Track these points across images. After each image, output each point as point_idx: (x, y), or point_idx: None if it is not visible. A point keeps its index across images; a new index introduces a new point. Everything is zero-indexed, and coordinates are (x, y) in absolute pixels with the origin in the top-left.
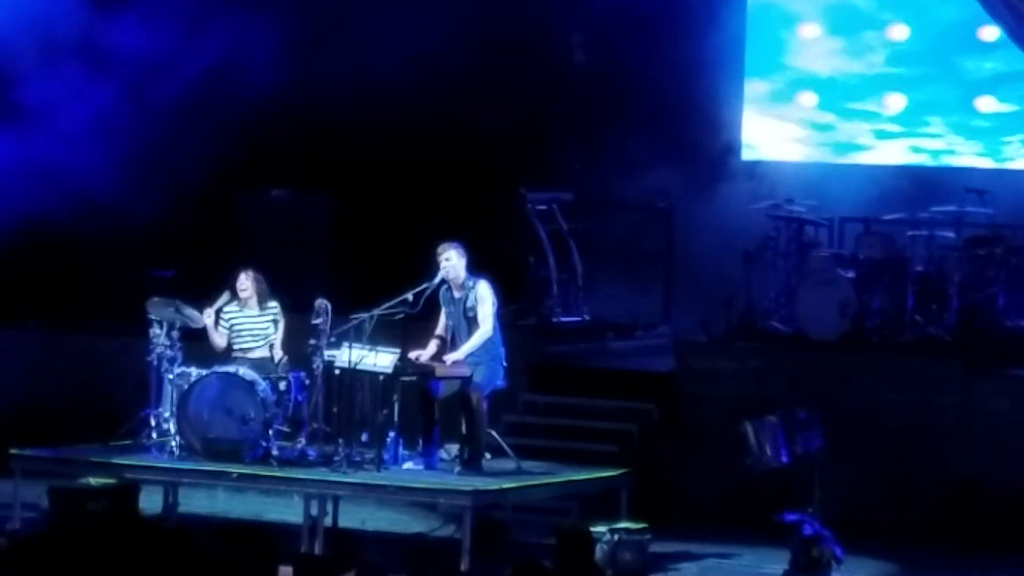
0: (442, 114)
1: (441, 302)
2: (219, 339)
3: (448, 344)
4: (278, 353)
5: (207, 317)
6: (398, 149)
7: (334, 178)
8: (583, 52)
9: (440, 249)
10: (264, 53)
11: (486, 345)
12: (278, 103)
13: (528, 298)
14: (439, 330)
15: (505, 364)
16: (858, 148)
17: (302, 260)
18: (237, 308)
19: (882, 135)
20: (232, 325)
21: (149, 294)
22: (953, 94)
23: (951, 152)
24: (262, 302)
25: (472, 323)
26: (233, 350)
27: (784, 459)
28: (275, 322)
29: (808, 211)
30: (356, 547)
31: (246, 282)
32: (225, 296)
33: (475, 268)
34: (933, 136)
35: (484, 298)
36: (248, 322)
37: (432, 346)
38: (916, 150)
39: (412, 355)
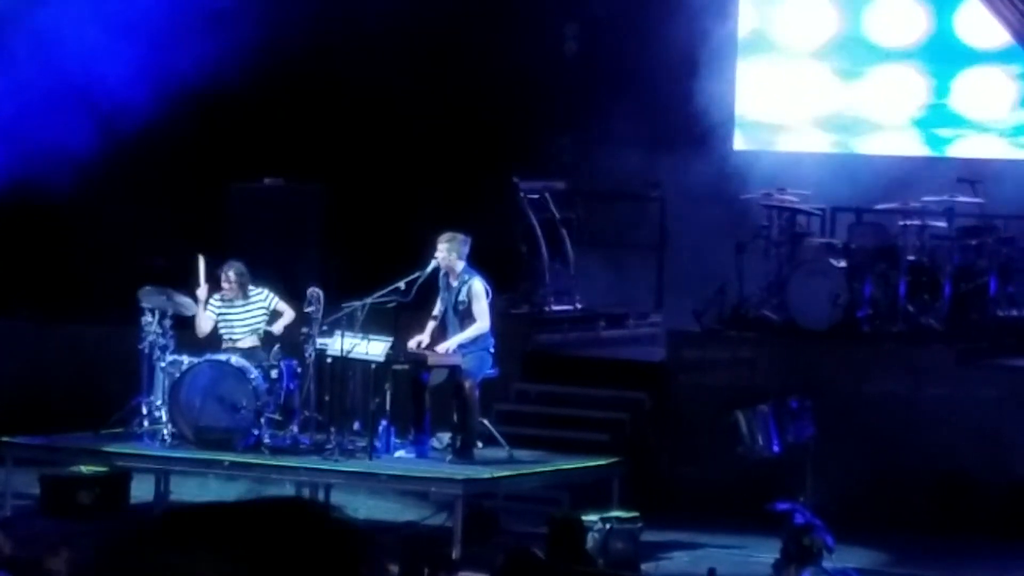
0: (435, 103)
1: (439, 285)
2: (205, 324)
3: (438, 326)
4: (280, 327)
5: (200, 299)
6: (391, 137)
7: (327, 166)
8: (575, 41)
9: (441, 238)
10: (255, 41)
11: (475, 336)
12: (271, 91)
13: (520, 287)
14: (435, 311)
15: (493, 351)
16: (852, 136)
17: (295, 249)
18: (221, 303)
19: (877, 123)
20: (219, 317)
21: (141, 282)
22: (945, 78)
23: (945, 140)
24: (245, 293)
25: (462, 316)
26: (223, 341)
27: (776, 448)
28: (264, 309)
29: (800, 200)
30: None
31: (225, 283)
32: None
33: (470, 257)
34: (927, 124)
35: (478, 295)
36: (235, 314)
37: (428, 329)
38: (910, 136)
39: (413, 342)
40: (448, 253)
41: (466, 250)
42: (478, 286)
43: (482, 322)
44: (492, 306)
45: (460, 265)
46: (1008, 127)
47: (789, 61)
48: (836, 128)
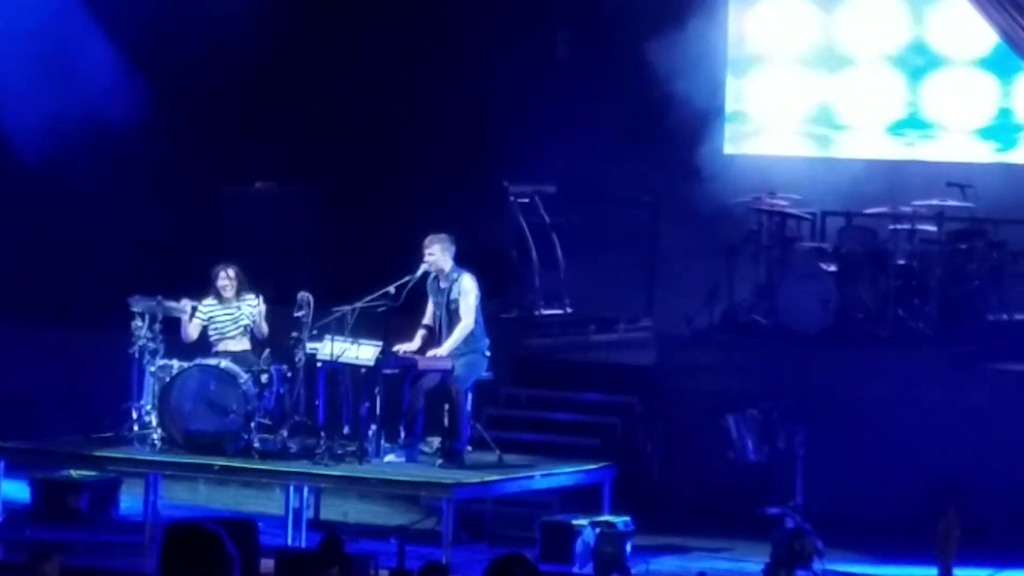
0: (426, 107)
1: (429, 291)
2: (192, 331)
3: (435, 332)
4: (263, 329)
5: (186, 310)
6: (383, 142)
7: (319, 171)
8: (566, 45)
9: (426, 241)
10: (249, 44)
11: (467, 338)
12: (263, 95)
13: (510, 291)
14: (426, 319)
15: (488, 354)
16: (842, 140)
17: (287, 253)
18: (215, 303)
19: (866, 127)
20: (211, 318)
21: (131, 287)
22: (933, 82)
23: (934, 144)
24: (240, 295)
25: (454, 315)
26: (213, 343)
27: (766, 453)
28: (252, 312)
29: (790, 204)
30: (339, 542)
31: (226, 280)
32: (210, 298)
33: (458, 261)
34: (916, 128)
35: (467, 291)
36: (227, 315)
37: (418, 337)
38: (898, 141)
39: (396, 348)
40: (439, 255)
41: (453, 249)
42: (467, 282)
43: (466, 320)
44: (482, 304)
45: (449, 265)
46: (996, 131)
47: (778, 65)
48: (826, 132)
